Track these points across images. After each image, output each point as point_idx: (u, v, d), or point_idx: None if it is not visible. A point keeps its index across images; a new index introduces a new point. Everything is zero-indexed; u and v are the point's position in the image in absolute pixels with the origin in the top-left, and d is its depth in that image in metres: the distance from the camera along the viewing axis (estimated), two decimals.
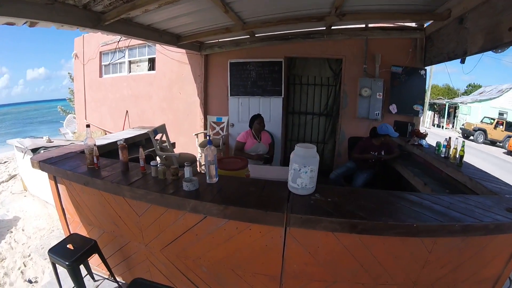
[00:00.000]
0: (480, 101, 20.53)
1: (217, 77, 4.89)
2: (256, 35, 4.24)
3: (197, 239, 1.69)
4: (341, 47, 4.26)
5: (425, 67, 4.17)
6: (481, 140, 15.62)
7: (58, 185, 2.20)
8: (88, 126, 2.07)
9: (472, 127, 16.24)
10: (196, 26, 3.45)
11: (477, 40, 2.65)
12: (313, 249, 1.51)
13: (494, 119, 16.04)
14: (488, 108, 19.07)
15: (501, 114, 18.67)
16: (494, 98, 19.71)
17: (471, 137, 15.83)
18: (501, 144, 14.70)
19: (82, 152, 2.40)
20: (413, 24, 4.05)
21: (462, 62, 3.23)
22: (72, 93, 9.90)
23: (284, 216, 1.41)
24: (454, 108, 22.20)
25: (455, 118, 21.78)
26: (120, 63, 6.10)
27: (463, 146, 2.71)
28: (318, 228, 1.40)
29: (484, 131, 15.62)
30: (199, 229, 1.66)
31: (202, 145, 4.46)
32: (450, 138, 3.02)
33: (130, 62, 6.01)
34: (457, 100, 23.33)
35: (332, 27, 3.98)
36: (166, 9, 2.64)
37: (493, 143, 15.21)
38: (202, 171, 4.79)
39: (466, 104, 20.97)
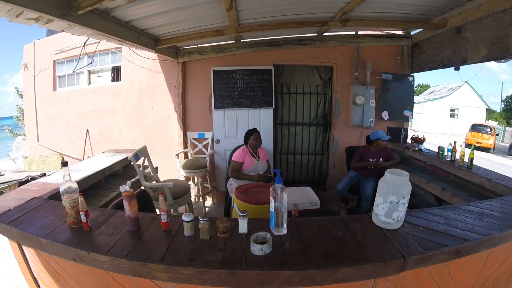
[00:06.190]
0: (433, 99, 22.08)
1: (198, 88, 4.38)
2: (242, 40, 3.88)
3: None
4: (331, 54, 4.09)
5: (412, 74, 4.19)
6: None
7: (24, 249, 1.53)
8: (65, 164, 1.41)
9: None
10: (180, 26, 2.97)
11: (480, 50, 2.74)
12: (400, 283, 1.31)
13: None
14: (441, 106, 20.65)
15: (452, 110, 20.39)
16: (445, 96, 21.31)
17: None
18: None
19: (52, 197, 1.79)
20: (400, 32, 4.03)
21: (457, 69, 3.32)
22: (20, 111, 8.56)
23: (404, 262, 1.17)
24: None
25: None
26: (78, 73, 5.25)
27: (472, 149, 2.80)
28: (429, 264, 1.24)
29: None
30: None
31: (186, 167, 3.92)
32: (455, 142, 3.08)
33: (89, 72, 5.20)
34: None
35: (324, 34, 3.78)
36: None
37: None
38: (194, 203, 4.19)
39: (419, 103, 22.31)
